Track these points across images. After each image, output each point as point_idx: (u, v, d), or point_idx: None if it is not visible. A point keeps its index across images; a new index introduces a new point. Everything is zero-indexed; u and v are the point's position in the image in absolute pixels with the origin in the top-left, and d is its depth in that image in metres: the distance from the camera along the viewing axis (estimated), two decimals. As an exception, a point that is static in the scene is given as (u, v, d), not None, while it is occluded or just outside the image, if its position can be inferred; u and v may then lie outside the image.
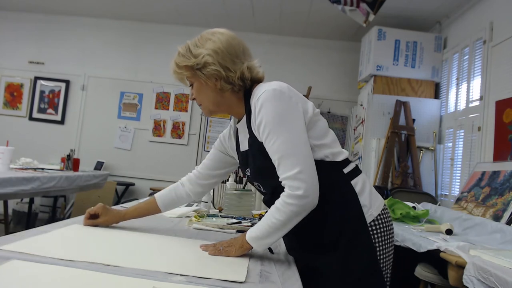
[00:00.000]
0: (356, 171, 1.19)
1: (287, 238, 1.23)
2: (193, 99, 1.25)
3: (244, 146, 1.26)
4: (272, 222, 1.07)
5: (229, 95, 1.21)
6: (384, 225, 1.17)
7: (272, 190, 1.20)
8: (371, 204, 1.16)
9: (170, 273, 0.88)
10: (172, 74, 1.24)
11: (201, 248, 1.15)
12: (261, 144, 1.14)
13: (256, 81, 1.22)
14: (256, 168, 1.21)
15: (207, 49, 1.16)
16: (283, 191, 1.08)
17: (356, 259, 1.13)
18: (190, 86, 1.24)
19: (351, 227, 1.14)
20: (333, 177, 1.15)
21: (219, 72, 1.15)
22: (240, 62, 1.18)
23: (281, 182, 1.08)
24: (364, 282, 1.13)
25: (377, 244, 1.15)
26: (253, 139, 1.18)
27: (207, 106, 1.24)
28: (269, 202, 1.22)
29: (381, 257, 1.16)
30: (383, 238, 1.16)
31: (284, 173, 1.07)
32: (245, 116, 1.23)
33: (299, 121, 1.11)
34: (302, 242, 1.22)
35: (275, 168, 1.10)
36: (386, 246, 1.17)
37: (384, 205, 1.22)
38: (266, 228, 1.08)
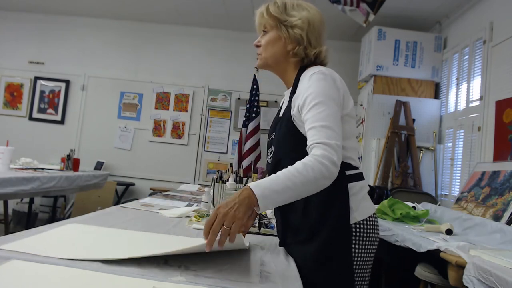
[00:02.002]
0: (358, 177, 1.21)
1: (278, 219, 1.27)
2: (257, 45, 1.31)
3: (281, 113, 1.32)
4: (293, 175, 1.00)
5: (291, 61, 1.28)
6: (365, 233, 1.18)
7: (276, 162, 1.24)
8: (357, 208, 1.17)
9: (169, 273, 0.88)
10: (256, 17, 1.31)
11: (207, 248, 0.94)
12: (290, 116, 1.20)
13: (319, 63, 1.29)
14: (279, 134, 1.26)
15: (301, 16, 1.24)
16: (287, 165, 1.05)
17: (333, 251, 1.15)
18: (263, 32, 1.30)
19: (334, 222, 1.15)
20: None
21: (302, 39, 1.24)
22: (319, 43, 1.27)
23: (309, 146, 1.08)
24: (334, 275, 1.15)
25: (353, 247, 1.16)
26: (288, 108, 1.23)
27: (267, 57, 1.29)
28: (270, 173, 1.27)
29: (356, 263, 1.16)
30: (361, 245, 1.17)
31: (323, 139, 1.06)
32: (292, 87, 1.27)
33: (339, 112, 1.16)
34: (288, 226, 1.24)
35: (292, 142, 1.16)
36: (363, 255, 1.18)
37: (373, 216, 1.22)
38: (283, 180, 1.00)
